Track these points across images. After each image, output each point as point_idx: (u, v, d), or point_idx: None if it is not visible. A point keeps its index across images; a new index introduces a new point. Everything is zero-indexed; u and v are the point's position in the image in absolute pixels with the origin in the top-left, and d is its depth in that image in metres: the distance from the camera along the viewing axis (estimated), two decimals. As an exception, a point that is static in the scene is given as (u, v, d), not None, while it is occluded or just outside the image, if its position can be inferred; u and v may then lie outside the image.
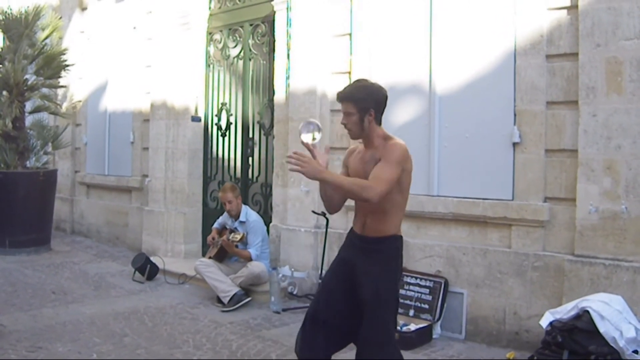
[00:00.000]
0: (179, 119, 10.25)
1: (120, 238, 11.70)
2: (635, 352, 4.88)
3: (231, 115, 9.84)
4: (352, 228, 4.42)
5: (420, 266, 6.89)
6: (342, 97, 4.17)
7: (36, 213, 10.90)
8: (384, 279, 4.14)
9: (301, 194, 8.07)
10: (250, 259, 7.84)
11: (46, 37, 11.77)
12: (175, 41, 10.26)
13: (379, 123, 4.20)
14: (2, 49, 11.38)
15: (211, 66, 10.28)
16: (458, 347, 6.33)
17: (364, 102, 4.11)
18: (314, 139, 4.11)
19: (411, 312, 6.72)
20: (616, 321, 4.97)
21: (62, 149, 12.39)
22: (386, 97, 4.24)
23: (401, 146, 4.09)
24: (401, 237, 4.28)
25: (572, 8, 5.83)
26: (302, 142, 4.14)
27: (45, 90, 12.01)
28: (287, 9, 8.33)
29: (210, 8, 10.21)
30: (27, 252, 10.59)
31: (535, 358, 5.28)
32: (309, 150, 4.09)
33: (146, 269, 8.93)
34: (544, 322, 5.34)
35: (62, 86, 12.44)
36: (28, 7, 11.38)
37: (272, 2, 8.60)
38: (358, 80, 4.36)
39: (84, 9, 12.97)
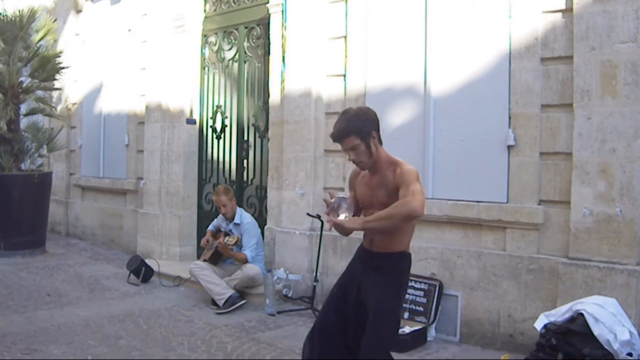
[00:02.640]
0: (174, 121, 10.25)
1: (115, 240, 11.69)
2: (630, 354, 4.89)
3: (226, 117, 9.84)
4: (362, 243, 4.39)
5: (415, 269, 6.80)
6: (343, 134, 4.05)
7: (31, 215, 10.90)
8: (388, 291, 4.11)
9: (296, 196, 8.07)
10: (245, 261, 7.84)
11: (40, 39, 11.79)
12: (170, 44, 10.26)
13: (381, 143, 4.15)
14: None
15: (206, 69, 10.28)
16: (452, 349, 6.34)
17: (364, 128, 4.05)
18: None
19: (406, 315, 6.71)
20: (610, 324, 4.97)
21: (56, 151, 12.41)
22: (376, 114, 4.20)
23: (414, 170, 4.01)
24: (410, 254, 4.24)
25: (567, 11, 5.84)
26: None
27: (40, 92, 12.04)
28: (283, 11, 8.34)
29: (205, 11, 10.22)
30: (22, 255, 10.59)
31: (529, 360, 5.29)
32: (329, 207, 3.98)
33: (141, 271, 8.92)
34: (539, 324, 5.35)
35: (56, 88, 12.47)
36: (22, 9, 11.36)
37: (267, 5, 8.61)
38: (345, 112, 4.20)
39: (78, 11, 12.97)
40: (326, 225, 3.90)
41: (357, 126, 4.03)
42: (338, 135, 4.08)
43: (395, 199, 3.93)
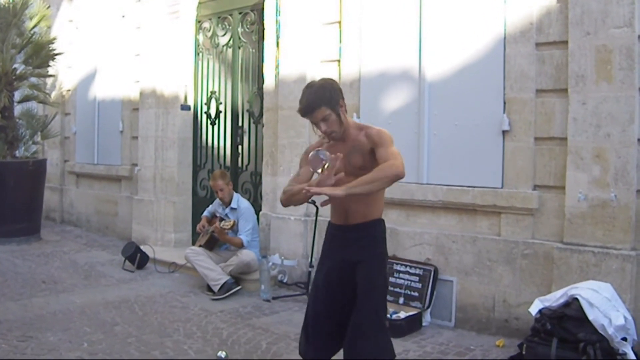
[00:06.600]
0: (168, 107, 10.22)
1: (110, 227, 11.68)
2: (624, 339, 4.91)
3: (220, 103, 9.81)
4: (330, 222, 4.37)
5: (410, 254, 6.90)
6: (314, 105, 3.98)
7: (26, 202, 10.89)
8: (374, 263, 4.13)
9: (291, 182, 8.05)
10: (241, 245, 7.85)
11: (34, 26, 11.74)
12: (164, 30, 10.22)
13: (346, 110, 4.13)
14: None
15: (200, 55, 10.25)
16: (447, 334, 6.35)
17: (332, 98, 4.01)
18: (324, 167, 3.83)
19: (401, 300, 6.73)
20: (605, 309, 4.99)
21: (51, 138, 12.38)
22: (338, 84, 4.21)
23: (387, 132, 4.06)
24: (384, 220, 4.27)
25: (562, -4, 5.84)
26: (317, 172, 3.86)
27: (34, 79, 11.98)
28: (276, -4, 8.32)
29: (199, -4, 10.18)
30: (17, 242, 10.59)
31: (524, 345, 5.29)
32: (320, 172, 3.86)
33: (136, 257, 8.93)
34: (534, 309, 5.36)
35: (50, 75, 12.43)
36: (16, -5, 11.33)
37: (261, -10, 8.59)
38: (309, 86, 4.13)
39: (72, -3, 12.92)
40: (318, 203, 3.82)
41: (325, 96, 3.99)
42: (309, 108, 4.00)
43: (370, 159, 3.98)
